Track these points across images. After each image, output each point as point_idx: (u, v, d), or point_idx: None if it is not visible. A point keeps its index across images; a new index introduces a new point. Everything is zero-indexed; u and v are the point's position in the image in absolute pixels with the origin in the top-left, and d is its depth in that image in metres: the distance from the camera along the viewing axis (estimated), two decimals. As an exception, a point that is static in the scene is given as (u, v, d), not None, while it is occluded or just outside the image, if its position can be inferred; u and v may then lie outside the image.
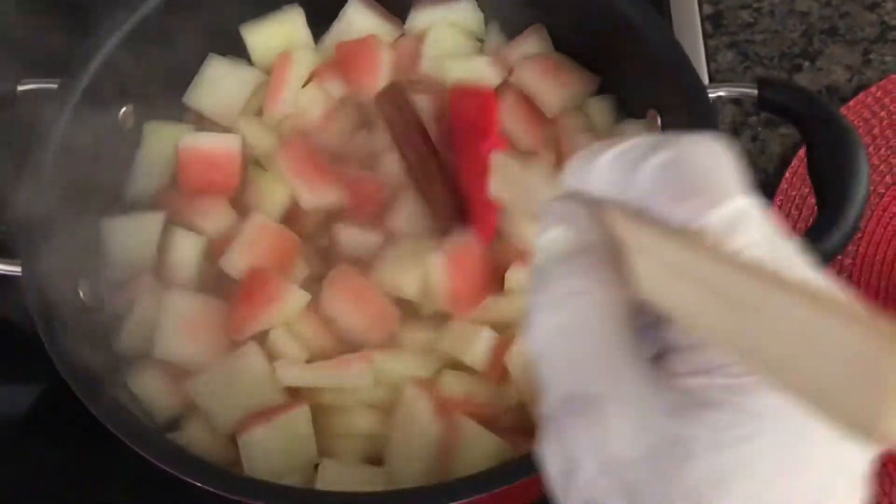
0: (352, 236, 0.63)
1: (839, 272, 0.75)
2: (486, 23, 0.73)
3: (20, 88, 0.63)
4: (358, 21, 0.72)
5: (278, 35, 0.71)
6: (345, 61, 0.69)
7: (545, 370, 0.29)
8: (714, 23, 0.88)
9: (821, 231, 0.55)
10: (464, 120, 0.60)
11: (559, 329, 0.29)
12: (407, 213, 0.63)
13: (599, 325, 0.28)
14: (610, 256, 0.29)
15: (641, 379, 0.28)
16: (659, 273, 0.28)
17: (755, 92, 0.61)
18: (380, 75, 0.69)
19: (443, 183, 0.62)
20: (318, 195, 0.65)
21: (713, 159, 0.29)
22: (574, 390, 0.28)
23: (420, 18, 0.72)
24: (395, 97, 0.65)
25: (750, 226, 0.28)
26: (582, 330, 0.28)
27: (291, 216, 0.66)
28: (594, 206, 0.30)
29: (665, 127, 0.65)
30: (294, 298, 0.60)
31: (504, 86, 0.69)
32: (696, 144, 0.29)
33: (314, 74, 0.70)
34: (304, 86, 0.69)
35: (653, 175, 0.29)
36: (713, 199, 0.28)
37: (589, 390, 0.28)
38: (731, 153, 0.30)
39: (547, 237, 0.30)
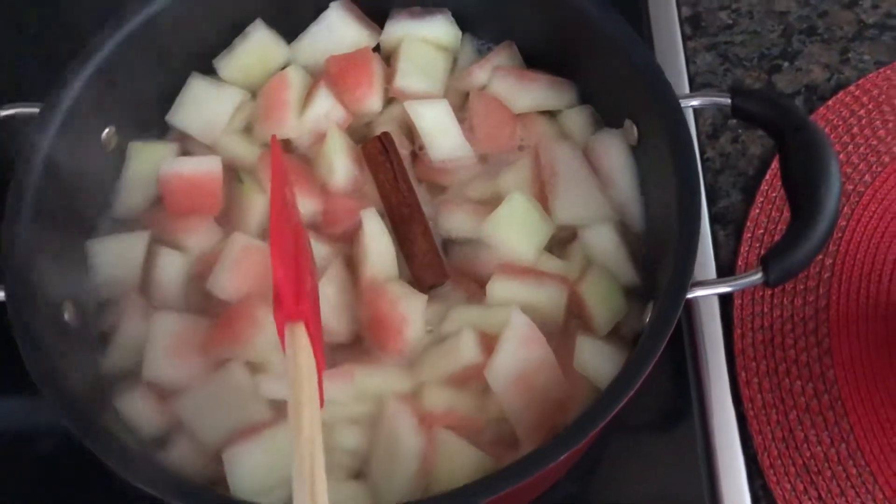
0: None
1: (821, 272, 0.76)
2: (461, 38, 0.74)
3: (2, 113, 0.64)
4: (338, 26, 0.72)
5: (252, 60, 0.71)
6: (338, 75, 0.70)
7: None
8: (693, 25, 0.88)
9: (792, 242, 0.56)
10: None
11: None
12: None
13: None
14: None
15: None
16: None
17: (728, 101, 0.62)
18: (374, 88, 0.69)
19: (423, 235, 0.63)
20: None
21: None
22: None
23: (395, 30, 0.72)
24: (383, 147, 0.66)
25: None
26: None
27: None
28: None
29: (642, 136, 0.66)
30: (261, 340, 0.60)
31: (475, 93, 0.70)
32: None
33: (308, 91, 0.70)
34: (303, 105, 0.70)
35: None
36: None
37: None
38: None
39: None
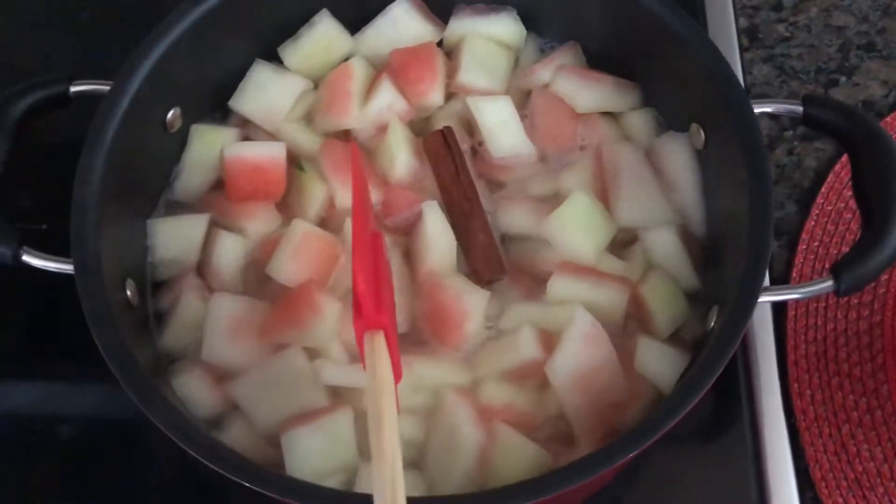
0: None
1: (875, 287, 0.75)
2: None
3: (73, 89, 0.64)
4: (402, 19, 0.72)
5: (316, 50, 0.71)
6: (401, 69, 0.69)
7: None
8: (750, 36, 0.88)
9: (863, 250, 0.55)
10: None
11: None
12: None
13: None
14: None
15: None
16: None
17: (800, 108, 0.61)
18: (437, 83, 0.69)
19: (482, 229, 0.63)
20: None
21: None
22: None
23: (459, 26, 0.72)
24: (445, 141, 0.66)
25: None
26: None
27: (334, 217, 0.67)
28: None
29: (708, 140, 0.65)
30: (320, 326, 0.60)
31: (537, 91, 0.70)
32: None
33: (371, 83, 0.70)
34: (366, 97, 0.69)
35: None
36: None
37: None
38: None
39: None
